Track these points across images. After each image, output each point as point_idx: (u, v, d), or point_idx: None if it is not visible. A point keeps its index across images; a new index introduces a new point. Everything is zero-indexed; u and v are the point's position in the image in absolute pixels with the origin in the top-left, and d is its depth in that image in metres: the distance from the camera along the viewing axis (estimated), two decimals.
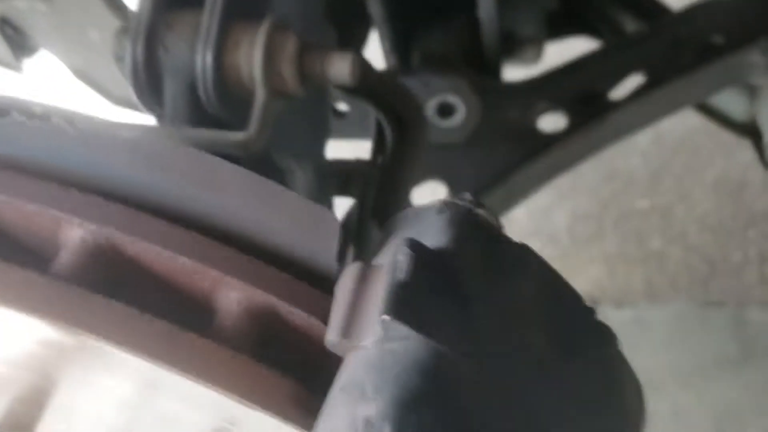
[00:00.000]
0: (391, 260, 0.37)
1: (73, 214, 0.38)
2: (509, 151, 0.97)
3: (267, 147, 0.60)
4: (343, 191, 0.75)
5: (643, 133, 1.58)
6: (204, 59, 0.55)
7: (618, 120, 0.99)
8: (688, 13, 1.03)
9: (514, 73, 1.11)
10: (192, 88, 0.56)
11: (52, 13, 0.96)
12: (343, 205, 0.77)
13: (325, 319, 0.37)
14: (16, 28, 0.99)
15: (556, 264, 1.46)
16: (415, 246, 0.38)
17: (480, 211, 0.41)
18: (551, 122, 1.00)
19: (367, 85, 0.67)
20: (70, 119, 0.38)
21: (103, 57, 0.94)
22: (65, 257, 0.37)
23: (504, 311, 0.39)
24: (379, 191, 0.73)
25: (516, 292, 0.40)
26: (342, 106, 0.94)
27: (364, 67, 0.62)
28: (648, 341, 1.37)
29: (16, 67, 1.00)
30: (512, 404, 0.36)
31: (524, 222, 1.54)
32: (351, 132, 0.93)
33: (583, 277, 1.47)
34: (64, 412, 0.39)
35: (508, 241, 0.41)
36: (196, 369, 0.35)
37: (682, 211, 1.47)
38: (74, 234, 0.38)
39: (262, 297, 0.38)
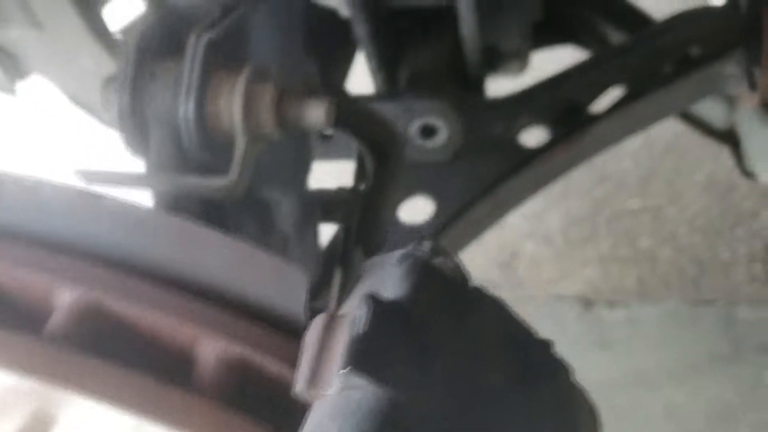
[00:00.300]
0: (352, 314, 0.40)
1: (64, 278, 0.41)
2: (494, 165, 1.00)
3: (252, 185, 0.63)
4: (328, 218, 0.78)
5: (634, 138, 1.61)
6: (186, 108, 0.58)
7: (599, 132, 1.02)
8: (668, 24, 1.05)
9: (500, 84, 1.14)
10: (176, 135, 0.59)
11: (44, 40, 0.99)
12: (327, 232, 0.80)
13: (295, 367, 0.41)
14: (9, 54, 1.02)
15: (551, 265, 1.53)
16: (374, 300, 0.41)
17: (438, 260, 0.44)
18: (534, 136, 1.03)
19: (345, 118, 0.71)
20: (59, 191, 0.42)
21: (95, 82, 0.97)
22: (57, 319, 0.41)
23: (461, 353, 0.42)
24: (362, 216, 0.76)
25: (473, 333, 0.43)
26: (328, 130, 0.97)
27: (342, 104, 0.65)
28: (641, 340, 1.40)
29: (10, 91, 1.04)
30: None
31: (518, 224, 1.57)
32: (336, 153, 0.96)
33: (577, 277, 1.50)
34: None
35: (464, 286, 0.45)
36: (176, 420, 0.39)
37: (673, 212, 1.50)
38: (65, 297, 0.41)
39: (237, 348, 0.42)
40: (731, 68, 1.00)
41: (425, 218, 0.99)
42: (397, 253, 0.45)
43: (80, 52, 0.97)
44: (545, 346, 0.47)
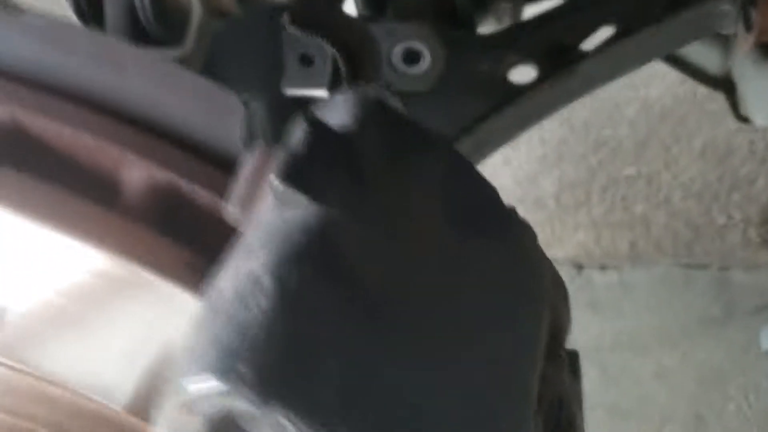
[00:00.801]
0: (291, 134, 0.38)
1: None
2: (478, 101, 0.97)
3: (215, 78, 0.61)
4: None
5: (631, 102, 1.59)
6: None
7: (588, 71, 0.99)
8: None
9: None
10: (131, 9, 0.57)
11: None
12: None
13: (226, 198, 0.38)
14: None
15: (543, 228, 1.50)
16: (314, 121, 0.38)
17: (386, 96, 0.42)
18: (521, 74, 1.01)
19: (316, 18, 0.68)
20: None
21: None
22: None
23: (401, 189, 0.39)
24: None
25: (416, 172, 0.40)
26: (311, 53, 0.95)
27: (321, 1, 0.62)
28: (632, 304, 1.37)
29: None
30: (399, 269, 0.37)
31: (511, 189, 1.54)
32: (318, 81, 0.93)
33: (569, 241, 1.47)
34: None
35: (414, 126, 0.42)
36: (96, 236, 0.36)
37: (668, 178, 1.47)
38: None
39: (164, 175, 0.39)
40: (725, 6, 0.97)
41: None
42: (345, 90, 0.42)
43: None
44: (497, 197, 0.44)
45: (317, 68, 0.94)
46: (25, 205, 0.36)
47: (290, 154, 0.37)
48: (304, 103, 0.75)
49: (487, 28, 1.14)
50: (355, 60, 0.71)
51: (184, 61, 0.55)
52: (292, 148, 0.37)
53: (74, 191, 0.38)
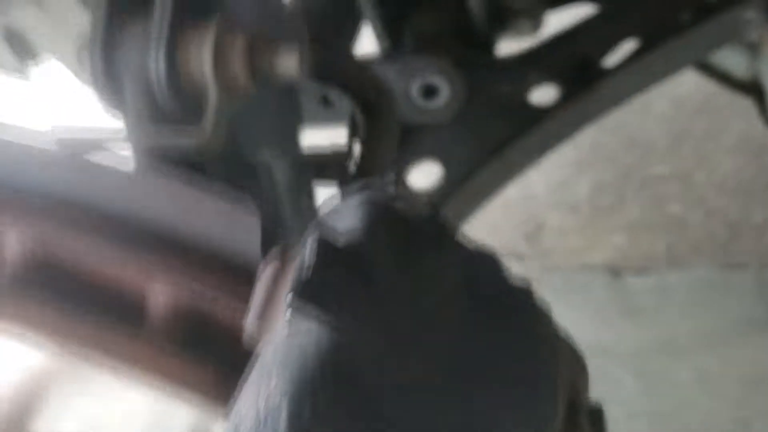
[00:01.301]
0: (300, 253, 0.39)
1: (13, 223, 0.40)
2: (502, 126, 0.97)
3: (234, 145, 0.62)
4: (321, 178, 0.76)
5: (663, 99, 1.56)
6: (157, 59, 0.57)
7: (612, 87, 0.98)
8: None
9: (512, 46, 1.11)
10: (149, 90, 0.58)
11: (49, 19, 1.00)
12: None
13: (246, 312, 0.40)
14: (17, 35, 1.02)
15: (578, 234, 1.48)
16: (322, 235, 0.39)
17: (392, 192, 0.43)
18: (544, 94, 1.00)
19: (327, 69, 0.69)
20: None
21: None
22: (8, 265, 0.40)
23: (416, 290, 0.40)
24: (356, 176, 0.74)
25: (430, 270, 0.41)
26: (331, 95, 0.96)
27: (321, 54, 0.63)
28: (672, 307, 1.36)
29: (22, 73, 1.04)
30: (417, 381, 0.37)
31: (544, 195, 1.53)
32: (340, 120, 0.94)
33: (604, 246, 1.46)
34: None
35: (423, 223, 0.42)
36: (125, 364, 0.38)
37: (703, 176, 1.45)
38: (12, 243, 0.40)
39: (188, 296, 0.41)
40: (750, 13, 0.96)
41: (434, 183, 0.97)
42: (353, 194, 0.43)
43: (79, 26, 0.97)
44: (524, 290, 0.44)
45: (337, 107, 0.95)
46: (55, 334, 0.38)
47: (302, 269, 0.38)
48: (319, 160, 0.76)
49: (506, 43, 1.13)
50: (371, 108, 0.71)
51: (201, 145, 0.56)
52: (304, 264, 0.38)
53: (101, 317, 0.39)
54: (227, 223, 0.42)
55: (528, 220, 1.54)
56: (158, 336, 0.40)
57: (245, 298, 0.40)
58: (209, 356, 0.40)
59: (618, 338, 1.37)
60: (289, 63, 0.57)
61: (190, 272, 0.41)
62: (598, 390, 0.48)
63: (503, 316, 0.42)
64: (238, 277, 0.42)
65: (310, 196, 0.77)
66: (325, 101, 0.94)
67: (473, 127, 0.97)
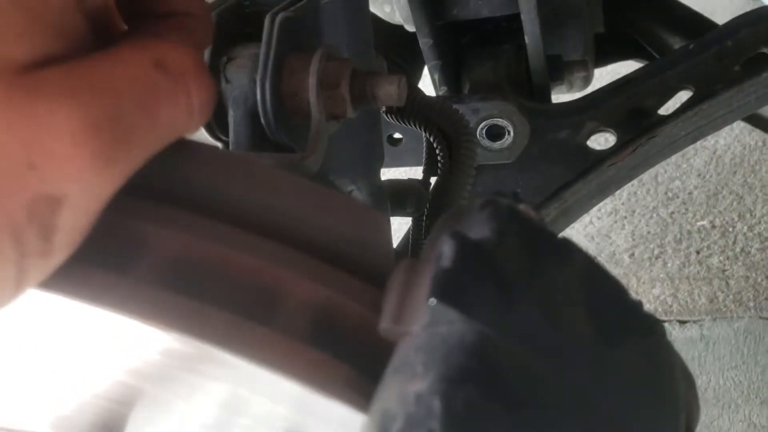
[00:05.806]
0: (437, 250, 0.40)
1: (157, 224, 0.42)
2: (561, 170, 0.99)
3: (325, 171, 0.64)
4: (398, 210, 0.78)
5: (700, 153, 1.59)
6: (263, 88, 0.59)
7: (667, 135, 1.01)
8: (731, 25, 1.04)
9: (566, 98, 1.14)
10: (253, 116, 0.60)
11: None
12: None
13: (378, 312, 0.41)
14: None
15: None
16: (458, 237, 0.41)
17: (520, 207, 0.44)
18: (601, 140, 1.02)
19: (415, 107, 0.71)
20: None
21: None
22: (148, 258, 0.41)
23: (545, 300, 0.41)
24: (433, 209, 0.76)
25: (557, 281, 0.42)
26: (397, 134, 0.98)
27: (412, 90, 0.65)
28: (715, 358, 1.36)
29: None
30: (557, 385, 0.38)
31: (584, 245, 1.54)
32: (406, 159, 0.96)
33: (646, 297, 1.47)
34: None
35: (548, 234, 0.44)
36: (259, 355, 0.39)
37: (743, 228, 1.46)
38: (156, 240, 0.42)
39: (321, 292, 0.42)
40: None
41: None
42: (479, 200, 0.44)
43: None
44: (635, 304, 0.45)
45: (405, 147, 0.97)
46: (194, 327, 0.39)
47: (440, 271, 0.39)
48: (396, 193, 0.78)
49: (559, 91, 1.16)
50: (451, 143, 0.73)
51: (305, 163, 0.58)
52: (441, 265, 0.39)
53: (236, 311, 0.40)
54: (358, 222, 0.43)
55: None
56: (292, 329, 0.41)
57: (375, 299, 0.42)
58: (342, 354, 0.41)
59: None
60: (389, 91, 0.60)
61: (324, 268, 0.42)
62: None
63: (631, 330, 0.43)
64: (367, 277, 0.43)
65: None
66: (392, 140, 0.96)
67: (532, 170, 0.99)
